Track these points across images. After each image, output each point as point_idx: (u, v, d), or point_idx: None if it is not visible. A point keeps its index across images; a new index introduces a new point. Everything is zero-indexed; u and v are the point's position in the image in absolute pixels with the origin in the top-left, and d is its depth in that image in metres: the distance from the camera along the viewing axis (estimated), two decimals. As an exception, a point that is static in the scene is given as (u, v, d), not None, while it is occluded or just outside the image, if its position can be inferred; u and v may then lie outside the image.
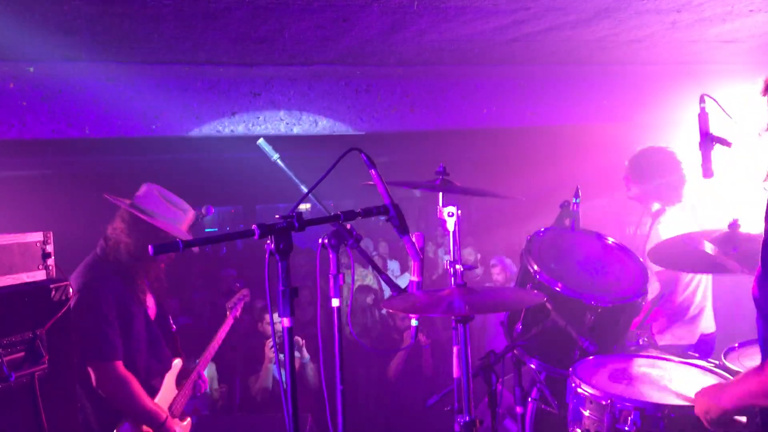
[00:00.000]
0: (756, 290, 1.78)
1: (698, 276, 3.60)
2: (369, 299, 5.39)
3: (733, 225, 2.67)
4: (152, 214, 2.93)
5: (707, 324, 3.65)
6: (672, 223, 3.49)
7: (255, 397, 4.64)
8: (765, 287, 1.75)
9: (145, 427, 2.91)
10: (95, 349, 2.80)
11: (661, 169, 3.64)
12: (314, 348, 4.71)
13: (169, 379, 3.14)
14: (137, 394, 2.86)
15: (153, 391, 3.00)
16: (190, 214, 3.06)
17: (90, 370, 2.81)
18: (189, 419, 3.21)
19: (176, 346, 3.31)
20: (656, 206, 3.67)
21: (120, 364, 2.84)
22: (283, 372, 1.77)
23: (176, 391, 3.17)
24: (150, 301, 3.14)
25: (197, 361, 3.36)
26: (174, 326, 3.34)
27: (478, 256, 6.93)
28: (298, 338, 4.63)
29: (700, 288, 3.62)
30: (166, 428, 2.93)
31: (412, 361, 4.92)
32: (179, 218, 2.99)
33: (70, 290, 2.58)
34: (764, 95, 1.84)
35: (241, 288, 3.95)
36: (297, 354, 4.59)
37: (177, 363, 3.22)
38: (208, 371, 4.67)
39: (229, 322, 3.61)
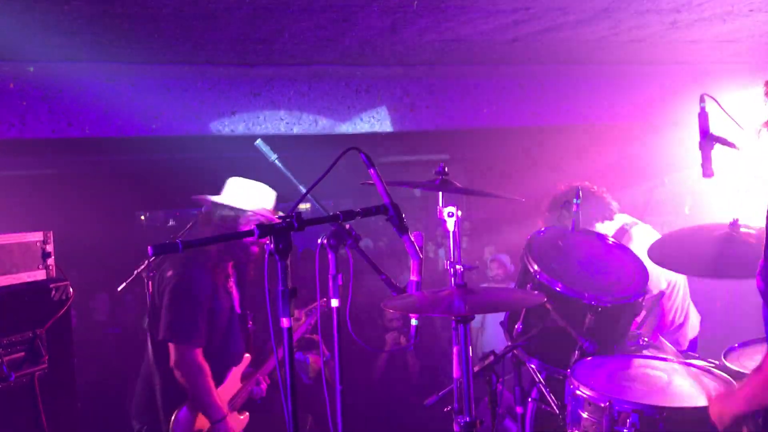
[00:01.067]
0: (760, 282, 1.80)
1: (675, 283, 3.60)
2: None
3: (734, 224, 2.67)
4: (232, 203, 3.05)
5: (693, 327, 3.66)
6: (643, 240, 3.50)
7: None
8: None
9: (201, 416, 2.97)
10: (184, 331, 2.90)
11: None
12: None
13: (236, 373, 3.22)
14: (208, 385, 2.94)
15: (219, 381, 3.07)
16: (268, 195, 3.13)
17: (172, 348, 2.91)
18: (247, 413, 3.26)
19: (250, 342, 3.39)
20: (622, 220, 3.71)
21: (200, 352, 2.94)
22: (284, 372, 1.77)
23: (240, 385, 3.23)
24: (236, 297, 3.25)
25: (260, 367, 3.38)
26: (252, 324, 3.41)
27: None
28: (317, 337, 4.64)
29: (679, 295, 3.61)
30: (223, 424, 2.97)
31: (397, 363, 4.92)
32: (251, 199, 3.08)
33: (70, 289, 2.59)
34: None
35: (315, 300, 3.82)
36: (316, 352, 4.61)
37: (246, 358, 3.29)
38: None
39: (302, 329, 3.63)
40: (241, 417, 3.22)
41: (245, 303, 3.35)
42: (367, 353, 4.88)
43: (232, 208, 3.05)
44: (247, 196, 3.10)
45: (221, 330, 3.11)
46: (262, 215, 3.06)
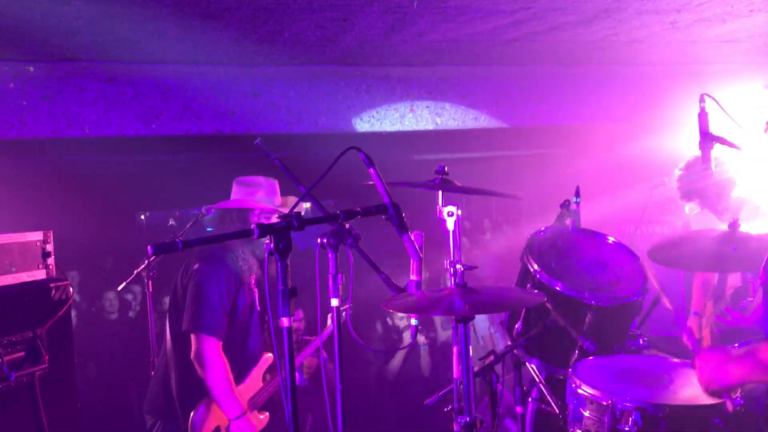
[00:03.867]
0: (764, 275, 1.82)
1: None
2: None
3: (733, 224, 2.67)
4: (239, 204, 3.13)
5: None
6: None
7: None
8: None
9: (218, 414, 2.97)
10: (207, 323, 2.92)
11: None
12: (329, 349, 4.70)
13: (257, 372, 3.22)
14: (227, 380, 2.94)
15: (238, 379, 3.07)
16: (264, 186, 3.19)
17: (193, 338, 2.93)
18: (267, 414, 3.24)
19: (271, 341, 3.36)
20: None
21: (220, 345, 2.95)
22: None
23: (261, 385, 3.23)
24: (257, 294, 3.25)
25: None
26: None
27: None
28: (308, 337, 4.62)
29: None
30: (242, 421, 2.97)
31: (410, 362, 4.92)
32: (252, 193, 3.16)
33: (71, 289, 2.58)
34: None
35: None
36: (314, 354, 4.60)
37: (268, 357, 3.30)
38: None
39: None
40: (261, 417, 3.20)
41: (265, 301, 3.35)
42: (381, 352, 4.91)
43: (238, 210, 3.12)
44: (248, 192, 3.16)
45: (242, 327, 3.13)
46: (267, 208, 3.13)
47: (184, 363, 2.98)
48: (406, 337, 4.97)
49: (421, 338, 4.91)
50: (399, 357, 4.92)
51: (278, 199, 3.24)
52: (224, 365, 2.94)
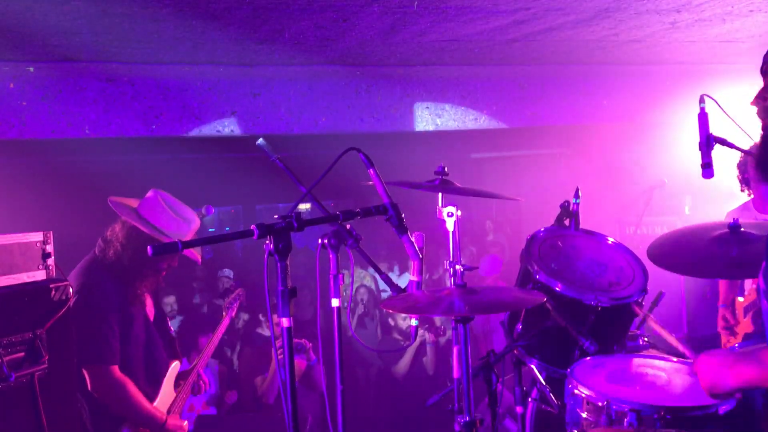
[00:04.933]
0: (762, 282, 1.81)
1: None
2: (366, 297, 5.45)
3: (734, 225, 2.66)
4: (154, 228, 2.86)
5: None
6: None
7: (261, 398, 4.65)
8: None
9: (143, 430, 2.89)
10: (93, 352, 2.78)
11: None
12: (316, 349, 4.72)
13: (168, 382, 3.11)
14: (134, 398, 2.83)
15: (151, 395, 2.97)
16: (195, 224, 2.99)
17: (85, 372, 2.79)
18: (185, 422, 3.18)
19: (175, 348, 3.30)
20: None
21: (116, 368, 2.82)
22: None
23: (174, 394, 3.15)
24: (149, 303, 3.12)
25: (195, 362, 3.35)
26: (172, 329, 3.34)
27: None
28: (305, 341, 4.64)
29: None
30: (167, 429, 2.91)
31: (414, 361, 4.93)
32: (182, 231, 2.93)
33: (70, 290, 2.58)
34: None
35: (236, 288, 3.95)
36: (304, 356, 4.59)
37: (175, 365, 3.20)
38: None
39: (225, 322, 3.61)
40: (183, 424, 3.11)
41: (162, 309, 3.24)
42: (381, 352, 4.91)
43: (149, 236, 2.82)
44: (173, 220, 2.91)
45: (141, 342, 2.96)
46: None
47: (91, 395, 2.81)
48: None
49: (429, 336, 4.92)
50: (407, 357, 4.92)
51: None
52: (126, 385, 2.80)
